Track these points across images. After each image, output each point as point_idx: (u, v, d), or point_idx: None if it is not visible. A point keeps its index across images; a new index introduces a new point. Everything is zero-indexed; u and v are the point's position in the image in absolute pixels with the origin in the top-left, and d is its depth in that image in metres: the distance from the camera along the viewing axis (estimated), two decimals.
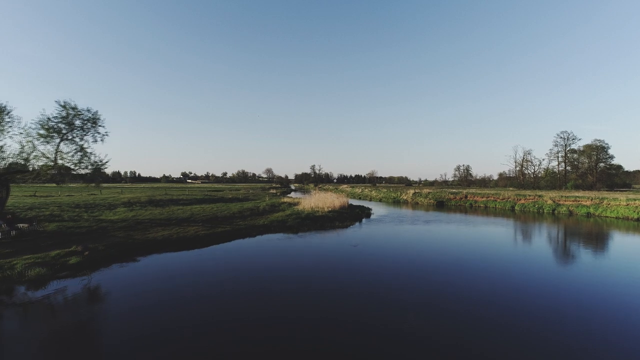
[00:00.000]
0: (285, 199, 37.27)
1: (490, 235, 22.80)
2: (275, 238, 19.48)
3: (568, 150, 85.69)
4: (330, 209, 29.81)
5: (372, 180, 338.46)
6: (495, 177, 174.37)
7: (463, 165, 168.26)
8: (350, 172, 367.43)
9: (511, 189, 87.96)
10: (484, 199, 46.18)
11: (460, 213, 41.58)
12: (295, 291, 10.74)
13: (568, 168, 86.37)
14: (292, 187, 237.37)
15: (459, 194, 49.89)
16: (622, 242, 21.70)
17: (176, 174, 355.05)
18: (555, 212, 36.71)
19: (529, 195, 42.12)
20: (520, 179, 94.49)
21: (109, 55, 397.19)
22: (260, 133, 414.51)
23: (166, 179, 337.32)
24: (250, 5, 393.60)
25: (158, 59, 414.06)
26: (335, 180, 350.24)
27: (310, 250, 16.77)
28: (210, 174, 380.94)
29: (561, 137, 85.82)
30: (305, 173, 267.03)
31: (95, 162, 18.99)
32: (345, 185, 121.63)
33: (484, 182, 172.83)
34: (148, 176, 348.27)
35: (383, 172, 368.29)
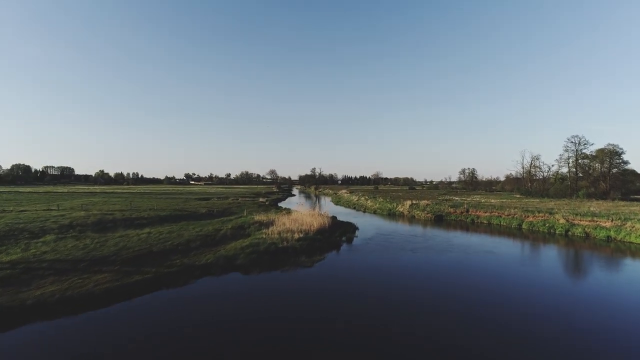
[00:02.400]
0: (260, 217, 32.95)
1: (491, 277, 18.15)
2: (207, 289, 15.10)
3: (579, 156, 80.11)
4: (303, 233, 25.41)
5: (377, 182, 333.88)
6: (502, 179, 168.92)
7: (468, 168, 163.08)
8: (355, 173, 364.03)
9: (518, 195, 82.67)
10: (487, 214, 41.34)
11: (461, 230, 37.02)
12: None
13: (579, 174, 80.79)
14: (295, 188, 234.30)
15: (459, 208, 45.10)
16: None
17: (180, 175, 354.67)
18: (569, 233, 31.86)
19: (538, 213, 37.19)
20: (528, 186, 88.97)
21: (112, 60, 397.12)
22: (267, 135, 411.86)
23: (168, 180, 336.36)
24: (257, 11, 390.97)
25: (167, 64, 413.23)
26: (339, 182, 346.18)
27: (229, 317, 12.35)
28: (213, 175, 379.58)
29: (572, 142, 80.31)
30: (308, 175, 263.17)
31: None
32: (344, 190, 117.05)
33: (490, 184, 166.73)
34: (152, 177, 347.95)
35: (388, 173, 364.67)
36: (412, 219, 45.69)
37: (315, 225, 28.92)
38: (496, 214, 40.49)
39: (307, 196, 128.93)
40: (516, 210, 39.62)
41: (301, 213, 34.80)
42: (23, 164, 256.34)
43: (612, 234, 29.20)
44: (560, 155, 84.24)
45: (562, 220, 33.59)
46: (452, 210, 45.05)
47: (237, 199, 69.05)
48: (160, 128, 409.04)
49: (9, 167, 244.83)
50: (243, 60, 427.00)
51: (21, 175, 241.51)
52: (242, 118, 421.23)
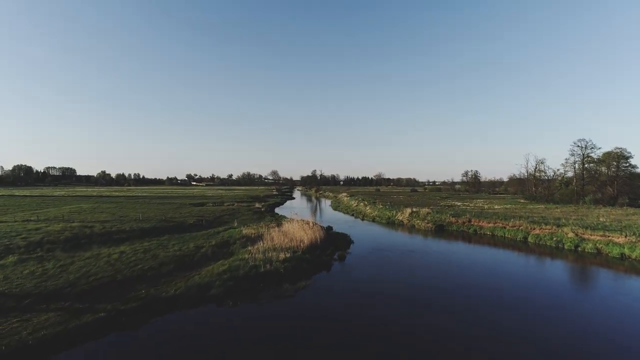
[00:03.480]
0: (248, 230, 31.05)
1: (498, 306, 15.99)
2: (165, 331, 13.11)
3: (586, 160, 77.47)
4: (290, 252, 23.43)
5: (379, 182, 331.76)
6: (505, 179, 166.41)
7: (471, 170, 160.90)
8: (357, 173, 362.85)
9: (522, 200, 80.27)
10: (490, 224, 39.19)
11: (463, 242, 35.12)
12: None
13: (586, 179, 78.13)
14: (297, 190, 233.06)
15: (461, 217, 42.94)
16: None
17: (182, 176, 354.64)
18: (579, 248, 29.71)
19: (545, 225, 34.97)
20: (532, 191, 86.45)
21: (115, 62, 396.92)
22: (270, 136, 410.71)
23: (170, 181, 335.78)
24: (259, 15, 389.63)
25: (170, 67, 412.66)
26: (341, 183, 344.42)
27: None
28: (215, 176, 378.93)
29: (578, 146, 77.57)
30: (310, 176, 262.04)
31: None
32: (344, 193, 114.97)
33: (493, 185, 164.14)
34: (153, 178, 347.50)
35: (391, 173, 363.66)
36: (411, 229, 43.64)
37: (306, 241, 26.97)
38: (500, 224, 38.34)
39: (308, 199, 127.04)
40: (521, 221, 37.40)
41: (293, 224, 32.79)
42: (25, 165, 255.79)
43: (626, 251, 27.00)
44: (566, 159, 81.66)
45: (570, 234, 31.41)
46: (453, 219, 42.91)
47: (233, 204, 67.19)
48: (163, 129, 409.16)
49: (10, 168, 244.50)
50: (247, 62, 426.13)
51: (22, 176, 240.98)
52: (245, 119, 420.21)
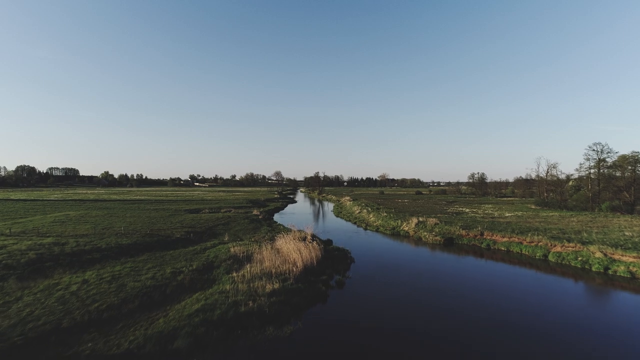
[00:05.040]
0: (237, 248, 27.93)
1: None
2: None
3: (601, 165, 73.45)
4: (280, 280, 20.31)
5: (383, 183, 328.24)
6: (511, 180, 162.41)
7: (477, 173, 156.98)
8: (361, 174, 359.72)
9: (533, 207, 76.50)
10: (505, 239, 35.74)
11: (475, 258, 32.16)
12: None
13: (601, 185, 74.14)
14: (300, 191, 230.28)
15: (472, 230, 39.51)
16: None
17: (186, 176, 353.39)
18: (609, 271, 26.30)
19: (568, 242, 31.46)
20: (544, 197, 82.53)
21: (121, 65, 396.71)
22: (274, 137, 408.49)
23: (172, 182, 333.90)
24: (262, 18, 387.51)
25: (177, 70, 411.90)
26: (345, 184, 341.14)
27: None
28: (218, 177, 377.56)
29: (593, 150, 73.58)
30: (313, 177, 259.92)
31: None
32: (347, 197, 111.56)
33: (499, 186, 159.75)
34: (156, 178, 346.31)
35: (395, 173, 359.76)
36: (418, 241, 40.32)
37: (300, 263, 23.85)
38: (516, 239, 34.88)
39: (310, 202, 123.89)
40: (540, 236, 33.91)
41: (288, 240, 29.60)
42: (28, 166, 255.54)
43: None
44: (580, 164, 77.56)
45: (598, 254, 27.96)
46: (464, 232, 39.45)
47: (230, 211, 64.28)
48: (166, 129, 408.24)
49: (13, 169, 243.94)
50: (249, 63, 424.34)
51: (25, 177, 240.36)
52: (248, 119, 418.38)
